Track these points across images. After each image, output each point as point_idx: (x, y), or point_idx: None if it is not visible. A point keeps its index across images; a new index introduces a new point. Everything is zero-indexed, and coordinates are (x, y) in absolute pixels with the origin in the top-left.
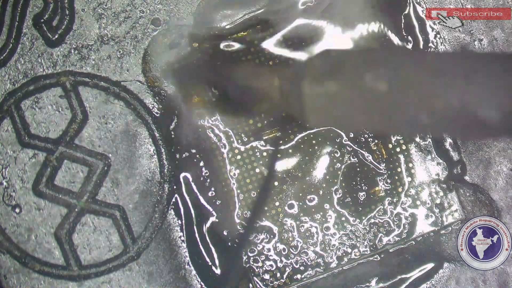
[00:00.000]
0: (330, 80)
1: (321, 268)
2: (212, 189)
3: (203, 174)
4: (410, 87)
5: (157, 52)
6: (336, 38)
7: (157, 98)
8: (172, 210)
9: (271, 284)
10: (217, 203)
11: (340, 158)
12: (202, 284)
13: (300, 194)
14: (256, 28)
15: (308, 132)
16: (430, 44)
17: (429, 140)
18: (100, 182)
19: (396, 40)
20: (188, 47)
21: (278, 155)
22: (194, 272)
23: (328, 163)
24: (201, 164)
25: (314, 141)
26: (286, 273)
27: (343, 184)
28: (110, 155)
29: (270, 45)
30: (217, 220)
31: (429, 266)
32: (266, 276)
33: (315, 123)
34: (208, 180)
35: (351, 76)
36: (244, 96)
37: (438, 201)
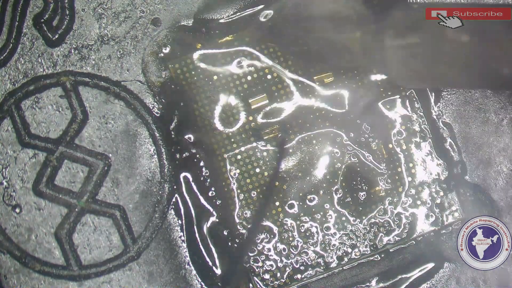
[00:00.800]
0: (412, 32)
1: (322, 268)
2: (212, 189)
3: (203, 174)
4: (492, 40)
5: None
6: None
7: (157, 98)
8: (172, 210)
9: (271, 284)
10: (217, 203)
11: (341, 158)
12: (202, 284)
13: (300, 194)
14: None
15: (308, 132)
16: None
17: (429, 140)
18: (100, 182)
19: None
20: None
21: (278, 155)
22: (194, 272)
23: (328, 163)
24: (201, 164)
25: (314, 141)
26: (286, 273)
27: (344, 184)
28: (110, 155)
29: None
30: (217, 220)
31: (430, 266)
32: (266, 276)
33: (395, 75)
34: (208, 180)
35: (433, 28)
36: (325, 48)
37: (438, 201)
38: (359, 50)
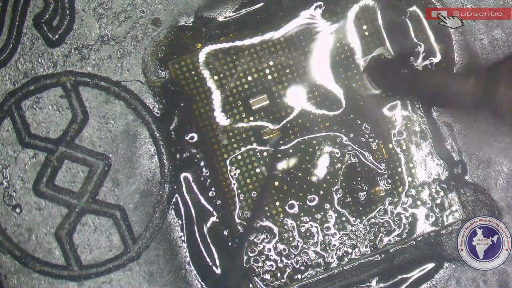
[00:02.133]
0: None
1: (322, 268)
2: (212, 189)
3: (204, 174)
4: None
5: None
6: None
7: (157, 98)
8: (172, 210)
9: (271, 284)
10: (217, 203)
11: (341, 158)
12: (203, 284)
13: (301, 194)
14: None
15: (308, 132)
16: None
17: (429, 140)
18: (101, 182)
19: None
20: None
21: (279, 155)
22: (194, 272)
23: (328, 163)
24: (202, 164)
25: (314, 141)
26: (287, 273)
27: (344, 184)
28: (110, 155)
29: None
30: (217, 220)
31: (430, 266)
32: (267, 276)
33: (509, 124)
34: (208, 180)
35: None
36: (438, 96)
37: (438, 201)
38: (471, 99)
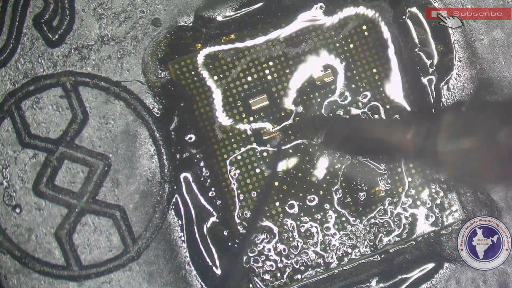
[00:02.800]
0: (464, 136)
1: (322, 268)
2: (212, 189)
3: (203, 174)
4: None
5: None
6: None
7: (157, 98)
8: (172, 210)
9: (271, 284)
10: (217, 203)
11: (341, 158)
12: (203, 284)
13: (300, 194)
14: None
15: (308, 132)
16: None
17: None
18: (101, 182)
19: None
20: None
21: (280, 155)
22: (194, 272)
23: (328, 163)
24: (201, 164)
25: (314, 141)
26: (287, 273)
27: (343, 184)
28: (110, 155)
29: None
30: (217, 220)
31: (430, 266)
32: (267, 276)
33: (451, 176)
34: (208, 181)
35: (485, 132)
36: (377, 148)
37: (438, 201)
38: (411, 151)
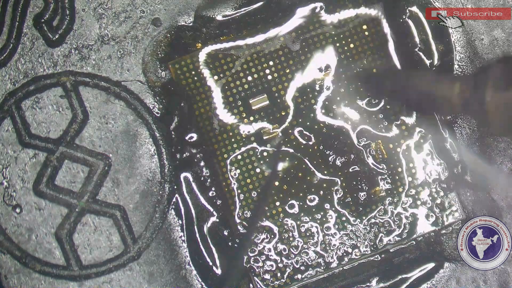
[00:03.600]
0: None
1: (322, 268)
2: (213, 189)
3: (204, 174)
4: None
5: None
6: None
7: (157, 98)
8: (172, 210)
9: (271, 284)
10: (217, 203)
11: (341, 158)
12: (203, 284)
13: (301, 194)
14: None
15: (308, 132)
16: None
17: (430, 140)
18: (101, 182)
19: None
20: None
21: (279, 155)
22: (194, 272)
23: (328, 163)
24: (202, 164)
25: (314, 141)
26: (287, 273)
27: (344, 184)
28: (110, 155)
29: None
30: (217, 220)
31: (430, 266)
32: (267, 276)
33: (497, 128)
34: (209, 180)
35: None
36: (424, 101)
37: (438, 201)
38: (458, 103)
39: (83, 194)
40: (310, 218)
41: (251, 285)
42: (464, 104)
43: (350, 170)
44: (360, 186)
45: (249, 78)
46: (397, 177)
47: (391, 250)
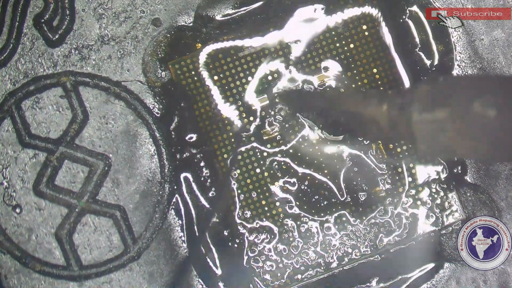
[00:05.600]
0: (439, 107)
1: (322, 268)
2: (213, 189)
3: (204, 174)
4: None
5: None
6: None
7: (157, 98)
8: (172, 210)
9: (271, 284)
10: (217, 203)
11: (341, 158)
12: (203, 284)
13: (300, 194)
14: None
15: (308, 132)
16: None
17: None
18: (101, 182)
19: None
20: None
21: (278, 155)
22: (194, 272)
23: (328, 163)
24: (202, 164)
25: (314, 141)
26: (287, 273)
27: (344, 184)
28: (110, 155)
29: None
30: (217, 220)
31: (430, 266)
32: (267, 276)
33: (424, 149)
34: (209, 180)
35: (460, 103)
36: (352, 121)
37: (438, 201)
38: (386, 123)
39: (83, 194)
40: (310, 218)
41: (251, 285)
42: (391, 125)
43: (350, 170)
44: (360, 186)
45: (249, 78)
46: (397, 177)
47: (391, 250)
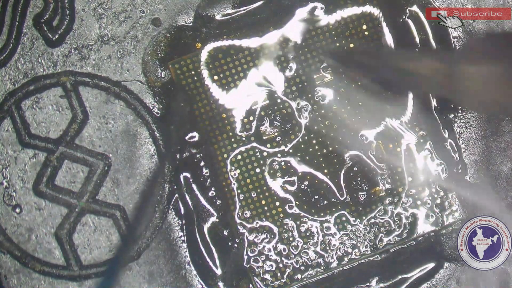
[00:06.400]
0: (490, 62)
1: (322, 268)
2: (212, 189)
3: (204, 174)
4: None
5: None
6: None
7: (157, 98)
8: (172, 210)
9: (271, 284)
10: (217, 203)
11: (341, 158)
12: (203, 284)
13: (300, 194)
14: None
15: (308, 132)
16: None
17: (430, 140)
18: (101, 182)
19: None
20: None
21: (278, 155)
22: (194, 272)
23: (328, 163)
24: (201, 164)
25: (314, 141)
26: (287, 273)
27: (344, 184)
28: (110, 155)
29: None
30: (217, 220)
31: (430, 266)
32: (267, 276)
33: (474, 104)
34: (208, 180)
35: (508, 59)
36: (404, 78)
37: (438, 201)
38: (439, 79)
39: (83, 194)
40: (310, 218)
41: (251, 285)
42: (442, 80)
43: (350, 170)
44: (360, 186)
45: (249, 77)
46: (397, 177)
47: (391, 250)
